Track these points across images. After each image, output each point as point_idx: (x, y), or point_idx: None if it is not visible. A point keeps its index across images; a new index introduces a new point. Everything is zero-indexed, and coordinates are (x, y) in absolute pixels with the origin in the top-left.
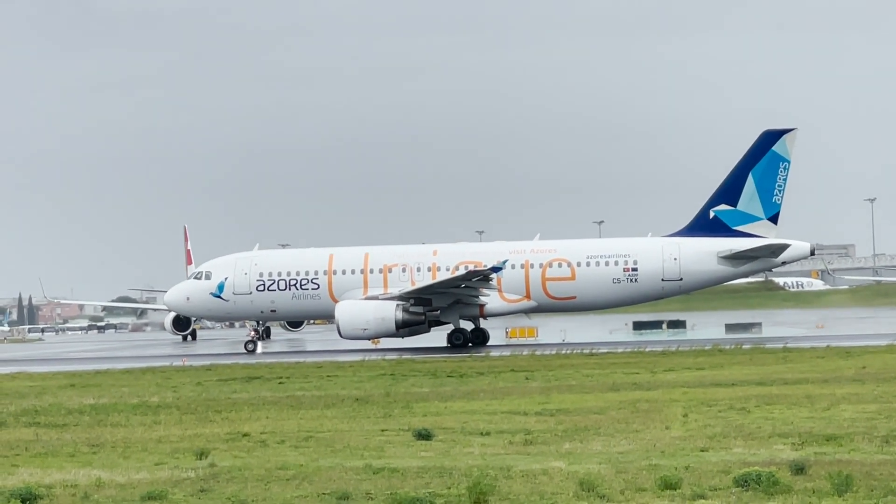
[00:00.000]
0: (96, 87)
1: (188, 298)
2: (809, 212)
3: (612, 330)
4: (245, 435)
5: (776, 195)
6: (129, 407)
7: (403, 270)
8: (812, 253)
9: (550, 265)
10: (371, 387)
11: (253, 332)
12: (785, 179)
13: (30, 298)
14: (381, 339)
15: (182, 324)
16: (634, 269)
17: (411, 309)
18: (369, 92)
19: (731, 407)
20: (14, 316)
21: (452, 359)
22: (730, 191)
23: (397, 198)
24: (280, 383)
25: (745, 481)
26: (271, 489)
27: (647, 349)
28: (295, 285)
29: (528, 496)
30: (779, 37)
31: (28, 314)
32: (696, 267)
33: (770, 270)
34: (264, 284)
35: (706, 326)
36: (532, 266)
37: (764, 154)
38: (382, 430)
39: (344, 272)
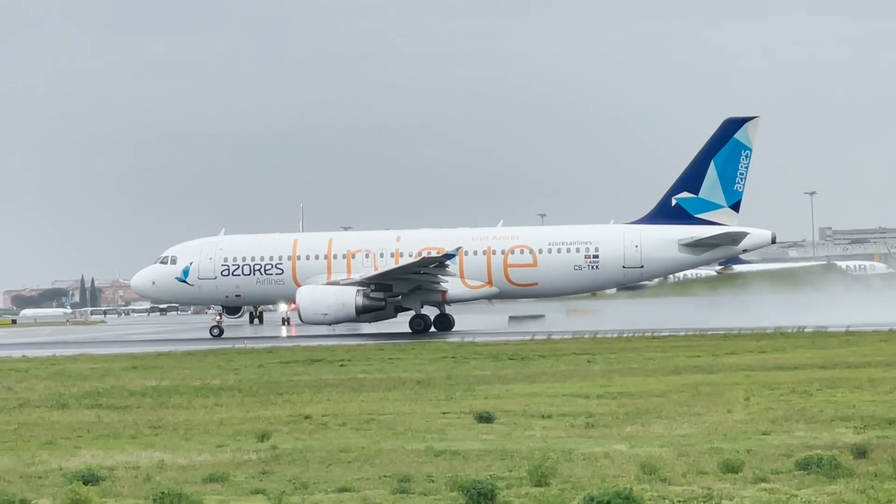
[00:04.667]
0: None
1: (154, 283)
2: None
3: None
4: (306, 417)
5: (738, 183)
6: (191, 389)
7: (367, 256)
8: (773, 241)
9: (512, 252)
10: (433, 369)
11: (218, 317)
12: (747, 167)
13: (92, 281)
14: (343, 324)
15: (231, 309)
16: (596, 257)
17: (372, 294)
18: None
19: (794, 390)
20: (77, 298)
21: (513, 341)
22: (692, 178)
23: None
24: (341, 366)
25: (807, 465)
26: (332, 471)
27: (709, 332)
28: (259, 270)
29: (590, 479)
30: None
31: (90, 296)
32: (658, 254)
33: (731, 258)
34: (229, 269)
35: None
36: (494, 253)
37: (726, 142)
38: (444, 413)
39: (308, 257)
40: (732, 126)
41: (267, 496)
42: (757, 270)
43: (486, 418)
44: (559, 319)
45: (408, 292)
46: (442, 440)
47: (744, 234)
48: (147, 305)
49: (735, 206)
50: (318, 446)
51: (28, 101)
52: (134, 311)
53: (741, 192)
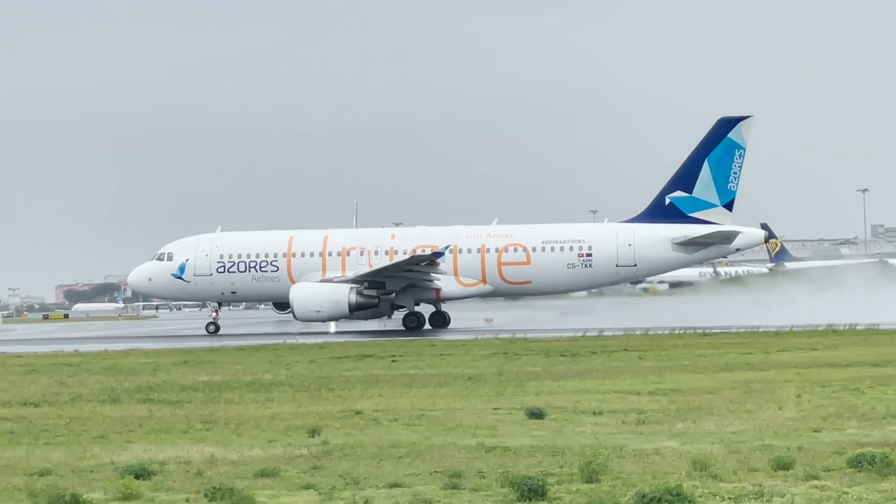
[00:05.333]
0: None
1: (150, 279)
2: None
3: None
4: (358, 413)
5: (731, 182)
6: (243, 384)
7: (361, 253)
8: (766, 240)
9: (506, 250)
10: (484, 365)
11: (214, 314)
12: (740, 166)
13: None
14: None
15: (281, 305)
16: (589, 255)
17: (365, 292)
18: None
19: (845, 388)
20: (129, 293)
21: (565, 338)
22: (686, 177)
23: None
24: (393, 361)
25: (859, 462)
26: (383, 467)
27: (761, 329)
28: (255, 267)
29: (641, 475)
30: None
31: None
32: (651, 253)
33: (725, 257)
34: (224, 266)
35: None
36: (488, 251)
37: (720, 141)
38: (495, 409)
39: (303, 254)
40: (726, 125)
41: (318, 491)
42: (809, 267)
43: (537, 414)
44: (609, 316)
45: (401, 290)
46: (493, 436)
47: (736, 233)
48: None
49: (728, 205)
50: (369, 442)
51: (75, 96)
52: (185, 306)
53: (735, 192)
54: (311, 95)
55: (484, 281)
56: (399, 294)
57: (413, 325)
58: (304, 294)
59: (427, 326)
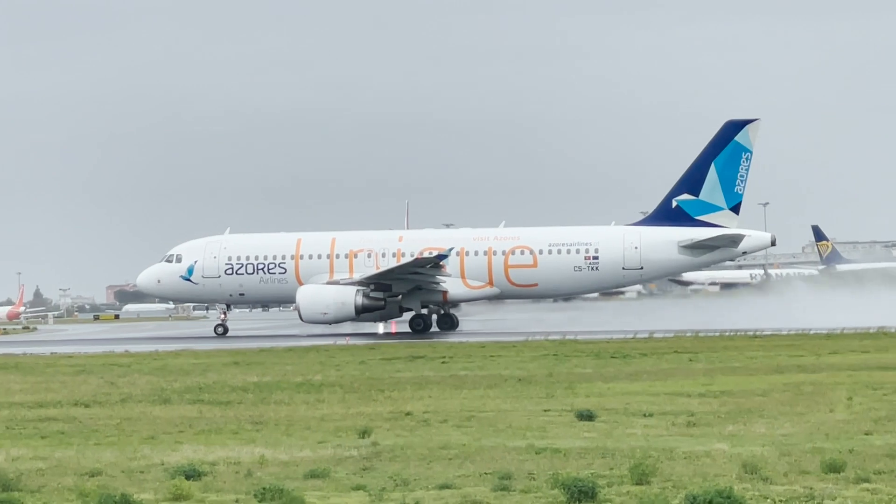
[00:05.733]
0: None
1: (159, 281)
2: None
3: None
4: (408, 414)
5: (738, 185)
6: (293, 385)
7: (369, 256)
8: (773, 243)
9: (513, 252)
10: (534, 367)
11: (223, 315)
12: (747, 170)
13: None
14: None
15: None
16: (595, 258)
17: (371, 294)
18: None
19: None
20: None
21: (615, 339)
22: (692, 180)
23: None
24: (443, 363)
25: None
26: (433, 468)
27: (812, 332)
28: (263, 269)
29: (691, 478)
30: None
31: None
32: (657, 256)
33: (732, 260)
34: (233, 268)
35: None
36: (495, 253)
37: (726, 144)
38: (545, 411)
39: (311, 257)
40: (733, 128)
41: (367, 492)
42: (861, 269)
43: (587, 416)
44: (658, 317)
45: (407, 292)
46: (543, 438)
47: (741, 237)
48: None
49: (735, 209)
50: (419, 443)
51: (114, 99)
52: (236, 307)
53: (741, 195)
54: (371, 93)
55: (490, 283)
56: (406, 296)
57: (419, 327)
58: (310, 296)
59: (435, 329)
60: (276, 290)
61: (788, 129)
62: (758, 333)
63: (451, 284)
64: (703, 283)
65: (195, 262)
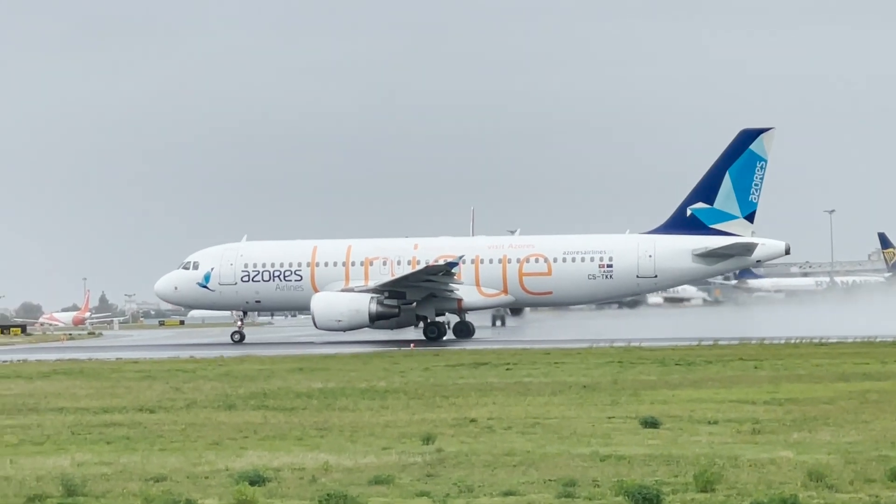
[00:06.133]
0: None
1: (176, 288)
2: None
3: None
4: (472, 420)
5: (753, 194)
6: (357, 391)
7: (384, 263)
8: (787, 252)
9: (528, 260)
10: (598, 374)
11: (239, 323)
12: (762, 178)
13: None
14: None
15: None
16: (609, 266)
17: (385, 302)
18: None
19: None
20: None
21: (680, 347)
22: (707, 189)
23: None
24: (507, 369)
25: None
26: (497, 475)
27: (878, 339)
28: (279, 276)
29: (756, 485)
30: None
31: None
32: (671, 264)
33: (746, 269)
34: (249, 275)
35: None
36: (510, 261)
37: (741, 153)
38: (609, 418)
39: (326, 264)
40: (748, 137)
41: (431, 499)
42: None
43: (651, 423)
44: (725, 324)
45: (422, 300)
46: (607, 445)
47: (754, 245)
48: None
49: (749, 217)
50: (483, 450)
51: (176, 105)
52: (301, 312)
53: (756, 203)
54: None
55: (505, 291)
56: (420, 304)
57: (433, 334)
58: (325, 303)
59: (450, 336)
60: (292, 297)
61: (854, 135)
62: (823, 341)
63: (466, 292)
64: (768, 291)
65: (212, 269)
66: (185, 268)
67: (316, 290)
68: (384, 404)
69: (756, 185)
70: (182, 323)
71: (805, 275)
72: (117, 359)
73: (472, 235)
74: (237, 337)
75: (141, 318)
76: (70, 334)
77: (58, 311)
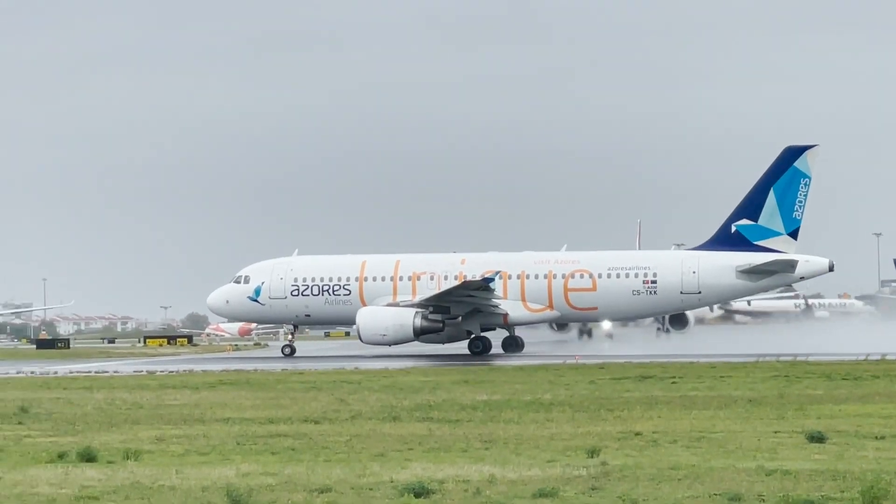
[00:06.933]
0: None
1: (227, 301)
2: None
3: None
4: (637, 434)
5: (797, 210)
6: (522, 404)
7: (431, 278)
8: (831, 269)
9: (573, 276)
10: (764, 388)
11: (290, 336)
12: (806, 195)
13: None
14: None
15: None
16: (654, 282)
17: (430, 316)
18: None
19: None
20: None
21: (847, 362)
22: (752, 206)
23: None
24: (673, 383)
25: None
26: (662, 489)
27: None
28: (328, 291)
29: None
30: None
31: None
32: (715, 280)
33: (789, 285)
34: (298, 289)
35: None
36: (555, 276)
37: (786, 170)
38: (775, 432)
39: (375, 279)
40: (792, 154)
41: None
42: None
43: (817, 438)
44: (891, 338)
45: (467, 314)
46: (773, 459)
47: (796, 262)
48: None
49: (793, 234)
50: (648, 463)
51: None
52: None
53: (800, 220)
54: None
55: (551, 306)
56: (465, 318)
57: (478, 349)
58: (370, 318)
59: (498, 351)
60: (341, 311)
61: None
62: None
63: (512, 307)
64: None
65: (262, 283)
66: (237, 281)
67: (364, 305)
68: (549, 417)
69: (800, 202)
70: (348, 335)
71: None
72: (283, 370)
73: (639, 248)
74: (288, 350)
75: (307, 330)
76: (236, 345)
77: (224, 322)
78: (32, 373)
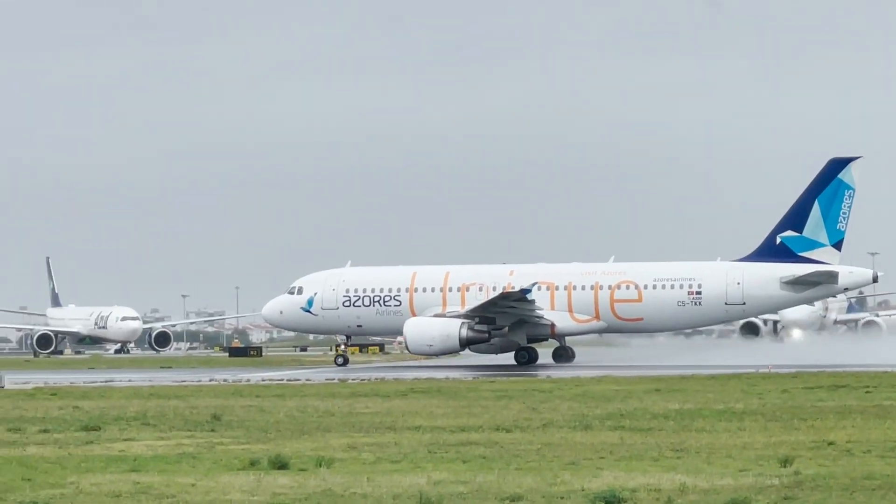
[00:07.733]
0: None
1: (281, 312)
2: None
3: None
4: (830, 443)
5: (841, 222)
6: (714, 412)
7: (480, 289)
8: (875, 280)
9: (619, 287)
10: None
11: (343, 347)
12: (850, 207)
13: None
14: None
15: (754, 327)
16: (699, 293)
17: (476, 327)
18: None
19: None
20: None
21: None
22: (796, 217)
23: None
24: (867, 392)
25: None
26: (856, 499)
27: None
28: (379, 301)
29: None
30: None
31: None
32: (759, 291)
33: (834, 296)
34: (350, 300)
35: None
36: (601, 287)
37: (830, 181)
38: None
39: (425, 290)
40: (837, 166)
41: None
42: None
43: None
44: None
45: (513, 325)
46: None
47: (837, 273)
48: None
49: (837, 245)
50: (842, 473)
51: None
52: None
53: (844, 232)
54: None
55: (597, 317)
56: (512, 329)
57: (524, 360)
58: (417, 328)
59: (547, 361)
60: (392, 322)
61: None
62: None
63: (559, 318)
64: None
65: (315, 293)
66: (291, 292)
67: (414, 315)
68: (741, 426)
69: (844, 213)
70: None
71: None
72: (474, 378)
73: None
74: (340, 360)
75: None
76: None
77: None
78: (225, 380)
